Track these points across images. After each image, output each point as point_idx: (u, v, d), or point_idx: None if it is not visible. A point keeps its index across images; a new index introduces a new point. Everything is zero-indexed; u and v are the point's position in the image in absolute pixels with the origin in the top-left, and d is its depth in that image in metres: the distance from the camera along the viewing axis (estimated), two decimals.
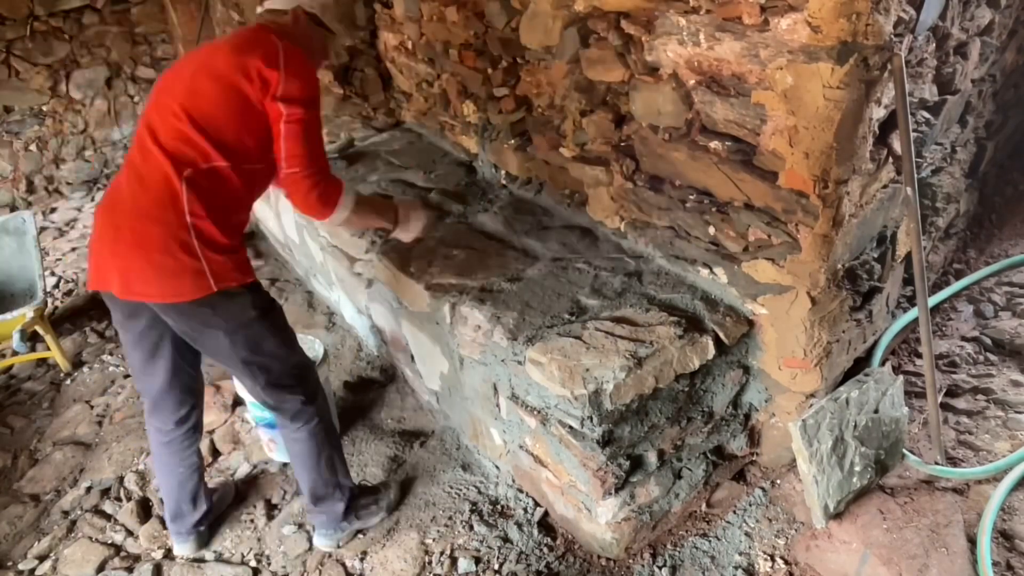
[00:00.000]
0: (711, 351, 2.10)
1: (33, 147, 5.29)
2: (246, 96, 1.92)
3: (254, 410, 2.63)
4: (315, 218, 2.12)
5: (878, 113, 1.82)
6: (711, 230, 2.15)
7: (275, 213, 3.75)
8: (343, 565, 2.37)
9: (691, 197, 2.17)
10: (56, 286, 4.22)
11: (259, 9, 2.16)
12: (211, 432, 2.93)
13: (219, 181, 1.94)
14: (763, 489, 2.39)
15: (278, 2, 2.14)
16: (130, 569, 2.45)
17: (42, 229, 4.95)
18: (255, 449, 2.85)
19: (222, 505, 2.57)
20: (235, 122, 1.93)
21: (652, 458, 2.16)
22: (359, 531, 2.45)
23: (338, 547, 2.41)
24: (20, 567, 2.50)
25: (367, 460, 2.75)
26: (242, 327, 2.02)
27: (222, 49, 1.99)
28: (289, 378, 2.16)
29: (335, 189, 2.07)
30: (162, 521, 2.61)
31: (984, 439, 2.33)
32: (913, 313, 2.51)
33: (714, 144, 2.00)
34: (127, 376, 3.40)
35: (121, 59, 5.50)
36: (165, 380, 2.19)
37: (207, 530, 2.48)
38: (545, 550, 2.32)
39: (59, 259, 4.55)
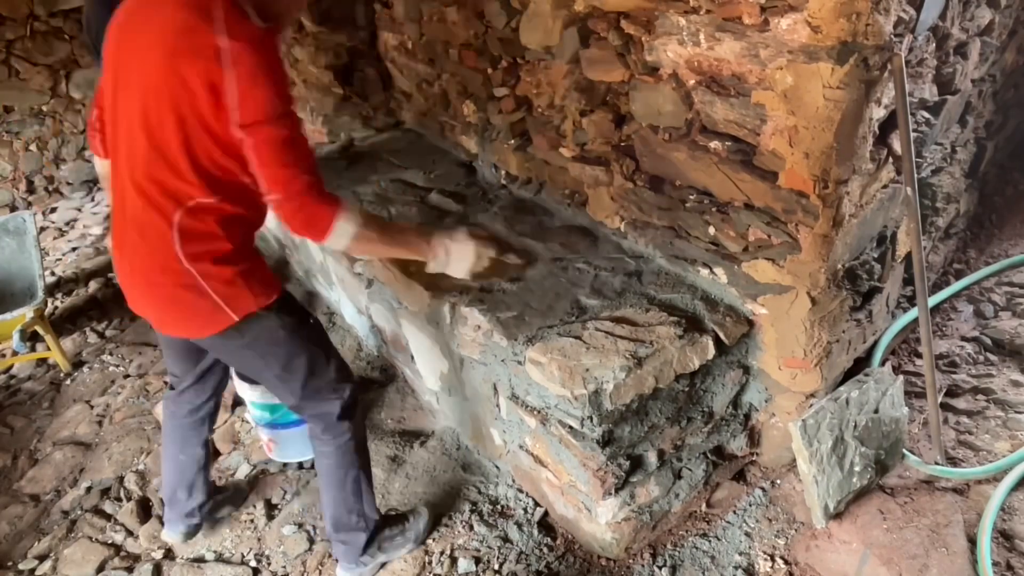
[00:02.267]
0: (711, 351, 2.09)
1: (33, 147, 5.29)
2: (200, 115, 1.62)
3: (254, 410, 2.63)
4: (314, 241, 1.83)
5: (878, 113, 1.82)
6: (711, 230, 2.15)
7: None
8: None
9: (691, 197, 2.17)
10: (56, 286, 4.22)
11: None
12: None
13: (211, 215, 1.75)
14: (763, 489, 2.39)
15: None
16: (130, 569, 2.46)
17: (42, 229, 4.95)
18: (255, 449, 2.85)
19: (228, 507, 2.58)
20: (202, 149, 1.66)
21: (652, 458, 2.16)
22: (383, 564, 2.34)
23: None
24: (20, 567, 2.50)
25: None
26: (273, 345, 1.94)
27: (159, 47, 1.62)
28: (326, 391, 2.08)
29: (326, 210, 1.74)
30: (162, 521, 2.61)
31: (984, 439, 2.33)
32: (913, 313, 2.51)
33: (714, 144, 2.00)
34: (127, 376, 3.40)
35: None
36: (188, 366, 2.22)
37: (200, 522, 2.46)
38: (545, 550, 2.32)
39: (59, 259, 4.55)
